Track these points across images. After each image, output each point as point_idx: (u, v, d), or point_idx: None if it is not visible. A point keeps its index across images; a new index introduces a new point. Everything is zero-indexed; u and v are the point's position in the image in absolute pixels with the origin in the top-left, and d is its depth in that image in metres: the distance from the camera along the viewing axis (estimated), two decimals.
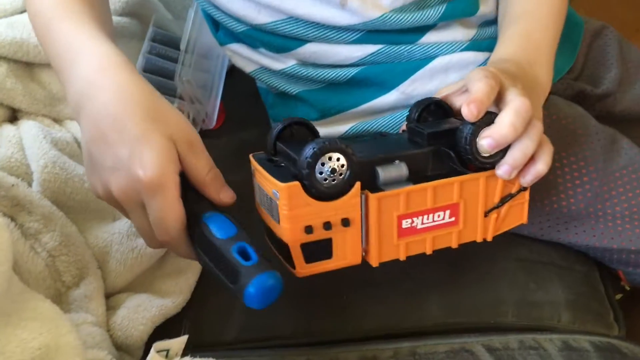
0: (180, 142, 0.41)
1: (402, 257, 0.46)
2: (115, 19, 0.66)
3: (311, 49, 0.55)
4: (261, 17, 0.54)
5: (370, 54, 0.55)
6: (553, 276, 0.57)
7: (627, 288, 0.75)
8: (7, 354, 0.33)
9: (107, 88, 0.43)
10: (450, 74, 0.56)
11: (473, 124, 0.43)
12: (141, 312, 0.51)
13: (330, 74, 0.55)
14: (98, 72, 0.44)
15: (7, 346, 0.33)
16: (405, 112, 0.53)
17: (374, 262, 0.46)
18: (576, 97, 0.64)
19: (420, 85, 0.56)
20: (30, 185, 0.54)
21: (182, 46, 0.64)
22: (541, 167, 0.44)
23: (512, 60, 0.52)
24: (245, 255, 0.40)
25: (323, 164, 0.41)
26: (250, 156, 0.47)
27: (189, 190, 0.44)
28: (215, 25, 0.61)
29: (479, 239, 0.48)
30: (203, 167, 0.42)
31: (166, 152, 0.40)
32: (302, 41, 0.55)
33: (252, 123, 0.69)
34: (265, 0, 0.53)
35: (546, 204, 0.57)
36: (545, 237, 0.58)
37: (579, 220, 0.57)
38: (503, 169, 0.44)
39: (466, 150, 0.44)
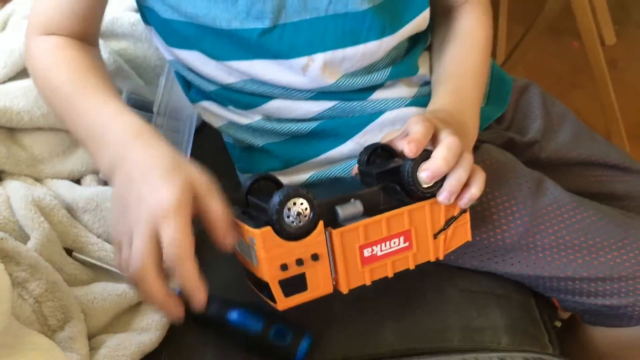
0: (197, 186, 0.49)
1: (368, 282, 0.53)
2: None
3: (275, 105, 0.63)
4: (231, 78, 0.62)
5: (327, 109, 0.63)
6: (492, 304, 0.64)
7: (563, 318, 0.83)
8: None
9: (138, 149, 0.51)
10: (396, 126, 0.64)
11: (413, 160, 0.51)
12: (121, 350, 0.55)
13: (292, 128, 0.63)
14: (129, 139, 0.52)
15: None
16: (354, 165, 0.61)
17: (344, 289, 0.52)
18: (507, 144, 0.73)
19: (371, 137, 0.64)
20: (16, 239, 0.59)
21: (155, 109, 0.71)
22: (474, 191, 0.52)
23: (444, 110, 0.61)
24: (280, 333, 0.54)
25: (289, 209, 0.48)
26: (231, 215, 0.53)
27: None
28: (187, 85, 0.69)
29: (432, 259, 0.55)
30: (217, 208, 0.49)
31: (184, 189, 0.47)
32: (267, 98, 0.63)
33: (219, 175, 0.75)
34: (235, 66, 0.60)
35: (484, 238, 0.64)
36: (484, 268, 0.65)
37: (513, 252, 0.64)
38: (443, 196, 0.52)
39: (409, 183, 0.51)
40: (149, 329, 0.58)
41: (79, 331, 0.55)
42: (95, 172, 0.71)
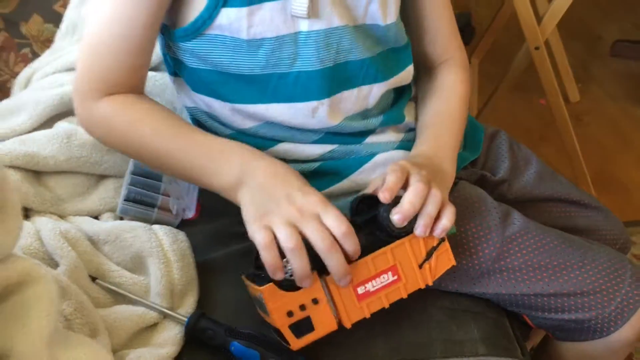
0: None
1: (367, 315, 0.62)
2: None
3: (284, 148, 0.72)
4: (247, 123, 0.71)
5: (328, 152, 0.73)
6: (470, 320, 0.72)
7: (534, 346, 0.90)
8: None
9: (266, 161, 0.63)
10: (387, 166, 0.73)
11: (386, 205, 0.60)
12: None
13: (298, 168, 0.71)
14: (252, 155, 0.64)
15: None
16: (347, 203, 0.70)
17: (347, 324, 0.61)
18: (479, 181, 0.82)
19: (366, 176, 0.73)
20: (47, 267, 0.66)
21: None
22: (445, 222, 0.61)
23: (424, 155, 0.70)
24: None
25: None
26: (242, 277, 0.63)
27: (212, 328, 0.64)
28: (202, 128, 0.77)
29: (422, 286, 0.63)
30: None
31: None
32: (277, 141, 0.72)
33: (223, 214, 0.83)
34: (253, 109, 0.69)
35: (463, 264, 0.72)
36: (463, 290, 0.74)
37: (487, 274, 0.72)
38: (418, 230, 0.61)
39: (386, 226, 0.61)
40: (166, 344, 0.65)
41: (105, 345, 0.62)
42: (112, 210, 0.79)
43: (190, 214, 0.80)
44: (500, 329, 0.73)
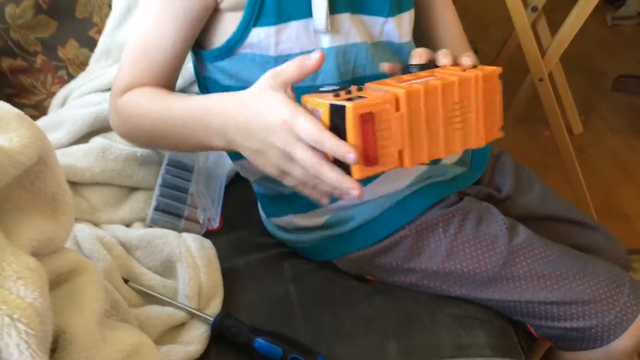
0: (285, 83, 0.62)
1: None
2: (140, 150, 0.88)
3: None
4: None
5: None
6: (477, 326, 0.76)
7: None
8: (113, 345, 0.50)
9: (233, 130, 0.64)
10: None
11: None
12: (172, 356, 0.67)
13: None
14: (220, 127, 0.65)
15: (112, 341, 0.50)
16: (362, 214, 0.75)
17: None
18: (486, 198, 0.87)
19: (378, 187, 0.78)
20: None
21: (196, 168, 0.86)
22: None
23: None
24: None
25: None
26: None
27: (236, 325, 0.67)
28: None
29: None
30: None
31: (286, 104, 0.60)
32: None
33: (243, 225, 0.89)
34: None
35: (470, 270, 0.77)
36: (470, 296, 0.78)
37: (494, 282, 0.77)
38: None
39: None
40: (193, 342, 0.70)
41: None
42: (142, 220, 0.85)
43: (214, 224, 0.85)
44: (506, 336, 0.78)
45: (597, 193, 1.72)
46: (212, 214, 0.85)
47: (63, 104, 0.97)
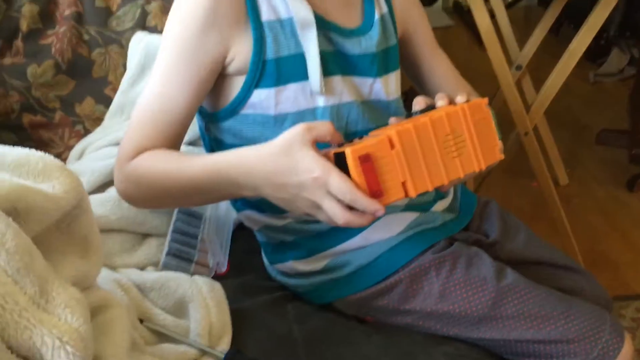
0: (313, 138, 0.66)
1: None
2: None
3: None
4: None
5: None
6: None
7: None
8: None
9: (260, 182, 0.68)
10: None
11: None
12: None
13: (316, 227, 0.83)
14: (247, 180, 0.69)
15: None
16: (358, 259, 0.81)
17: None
18: (475, 243, 0.93)
19: (374, 232, 0.84)
20: None
21: (205, 214, 0.92)
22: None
23: None
24: None
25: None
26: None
27: None
28: (234, 199, 0.89)
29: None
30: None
31: (313, 157, 0.64)
32: None
33: (249, 270, 0.95)
34: None
35: (462, 310, 0.83)
36: (463, 335, 0.84)
37: (484, 321, 0.83)
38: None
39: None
40: None
41: None
42: (154, 265, 0.90)
43: (222, 268, 0.91)
44: None
45: (584, 242, 1.78)
46: (220, 259, 0.91)
47: (80, 156, 1.04)
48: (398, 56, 0.90)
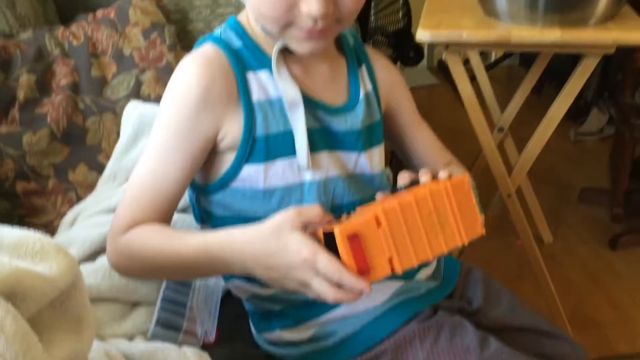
0: (301, 222, 0.70)
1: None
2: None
3: None
4: None
5: None
6: None
7: None
8: None
9: (252, 263, 0.72)
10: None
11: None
12: None
13: (303, 297, 0.84)
14: (239, 259, 0.73)
15: None
16: (344, 329, 0.83)
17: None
18: (459, 311, 0.95)
19: (358, 303, 0.86)
20: None
21: (194, 283, 0.94)
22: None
23: None
24: None
25: None
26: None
27: None
28: None
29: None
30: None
31: (302, 241, 0.68)
32: None
33: (237, 338, 0.96)
34: None
35: None
36: None
37: None
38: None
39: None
40: None
41: None
42: (143, 334, 0.91)
43: (210, 337, 0.92)
44: None
45: (568, 301, 1.81)
46: (208, 328, 0.92)
47: (72, 223, 1.06)
48: (382, 131, 0.94)
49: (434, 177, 0.79)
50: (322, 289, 0.68)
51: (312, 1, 0.73)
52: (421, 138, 1.01)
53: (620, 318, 1.80)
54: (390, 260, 0.70)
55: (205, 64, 0.80)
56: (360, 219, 0.69)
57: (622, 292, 1.90)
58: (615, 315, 1.81)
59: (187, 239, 0.77)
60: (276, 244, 0.70)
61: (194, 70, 0.80)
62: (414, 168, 0.94)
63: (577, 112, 2.85)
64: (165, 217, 0.82)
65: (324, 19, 0.75)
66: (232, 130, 0.80)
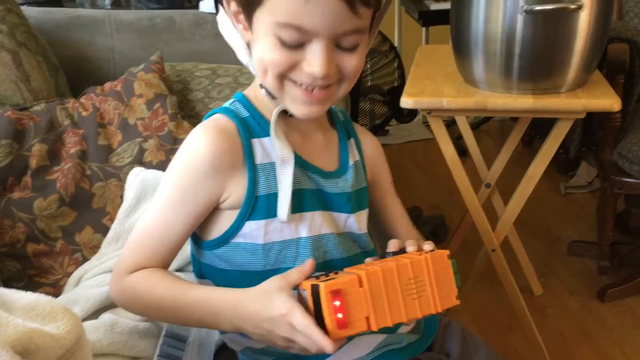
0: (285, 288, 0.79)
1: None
2: (142, 324, 1.03)
3: None
4: None
5: None
6: None
7: None
8: None
9: (244, 321, 0.81)
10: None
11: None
12: None
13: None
14: (232, 316, 0.82)
15: None
16: None
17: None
18: None
19: (348, 350, 0.92)
20: None
21: (189, 337, 1.01)
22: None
23: None
24: None
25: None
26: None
27: None
28: None
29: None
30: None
31: (284, 305, 0.77)
32: None
33: None
34: None
35: None
36: None
37: None
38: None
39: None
40: None
41: None
42: None
43: None
44: None
45: (557, 353, 1.85)
46: None
47: (77, 283, 1.14)
48: (368, 197, 1.03)
49: (419, 248, 0.88)
50: (306, 343, 0.76)
51: (315, 62, 0.81)
52: (395, 211, 1.09)
53: None
54: (367, 319, 0.78)
55: (216, 133, 0.89)
56: (345, 277, 0.78)
57: (611, 343, 1.94)
58: None
59: (190, 290, 0.87)
60: (264, 303, 0.79)
61: (207, 138, 0.88)
62: (384, 236, 1.03)
63: (567, 166, 2.95)
64: (165, 263, 0.92)
65: (324, 79, 0.83)
66: (236, 191, 0.89)
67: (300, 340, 0.77)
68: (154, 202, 0.92)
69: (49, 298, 0.68)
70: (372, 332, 0.96)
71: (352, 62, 0.84)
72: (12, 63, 1.34)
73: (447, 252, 0.87)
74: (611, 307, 2.11)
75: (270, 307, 0.79)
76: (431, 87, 1.56)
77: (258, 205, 0.89)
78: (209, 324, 0.87)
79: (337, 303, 0.76)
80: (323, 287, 0.75)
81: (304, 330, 0.75)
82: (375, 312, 0.78)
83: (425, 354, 1.03)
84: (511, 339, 1.94)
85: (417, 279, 0.82)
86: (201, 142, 0.89)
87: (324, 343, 0.75)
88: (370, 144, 1.06)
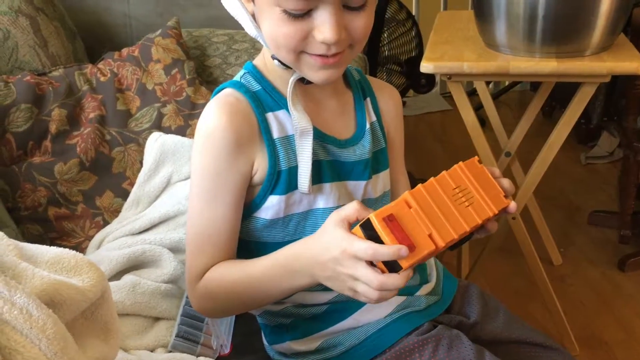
0: (345, 220, 0.76)
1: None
2: (164, 285, 1.04)
3: (301, 296, 0.92)
4: None
5: (335, 296, 0.93)
6: None
7: None
8: None
9: (313, 269, 0.79)
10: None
11: None
12: None
13: (312, 310, 0.92)
14: (306, 269, 0.80)
15: None
16: (349, 340, 0.90)
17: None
18: (457, 325, 1.02)
19: (366, 314, 0.92)
20: None
21: None
22: None
23: None
24: None
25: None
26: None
27: None
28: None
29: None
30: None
31: (342, 235, 0.75)
32: None
33: (250, 351, 1.03)
34: None
35: None
36: None
37: None
38: None
39: None
40: None
41: None
42: (164, 346, 0.99)
43: (225, 350, 1.00)
44: None
45: (578, 322, 1.85)
46: (223, 341, 1.00)
47: (99, 246, 1.15)
48: (387, 157, 1.01)
49: None
50: (368, 277, 0.73)
51: (325, 29, 0.79)
52: (401, 176, 1.07)
53: (629, 338, 1.83)
54: (431, 236, 0.75)
55: (231, 112, 0.87)
56: (390, 204, 0.75)
57: (631, 312, 1.93)
58: (623, 336, 1.84)
59: (257, 261, 0.85)
60: (323, 242, 0.77)
61: (223, 118, 0.86)
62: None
63: (587, 136, 2.90)
64: (230, 254, 0.89)
65: (337, 45, 0.81)
66: (260, 165, 0.88)
67: (362, 274, 0.73)
68: (191, 201, 0.90)
69: (73, 252, 0.68)
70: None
71: (361, 22, 0.82)
72: (30, 28, 1.34)
73: (476, 157, 0.84)
74: (631, 276, 2.10)
75: (329, 245, 0.76)
76: (451, 52, 1.53)
77: (281, 179, 0.88)
78: (288, 286, 0.84)
79: (395, 228, 0.72)
80: (374, 216, 0.72)
81: (367, 252, 0.72)
82: (435, 227, 0.75)
83: (445, 316, 1.03)
84: (530, 307, 1.93)
85: (460, 188, 0.80)
86: (219, 123, 0.86)
87: (398, 247, 0.71)
88: (388, 101, 1.03)
